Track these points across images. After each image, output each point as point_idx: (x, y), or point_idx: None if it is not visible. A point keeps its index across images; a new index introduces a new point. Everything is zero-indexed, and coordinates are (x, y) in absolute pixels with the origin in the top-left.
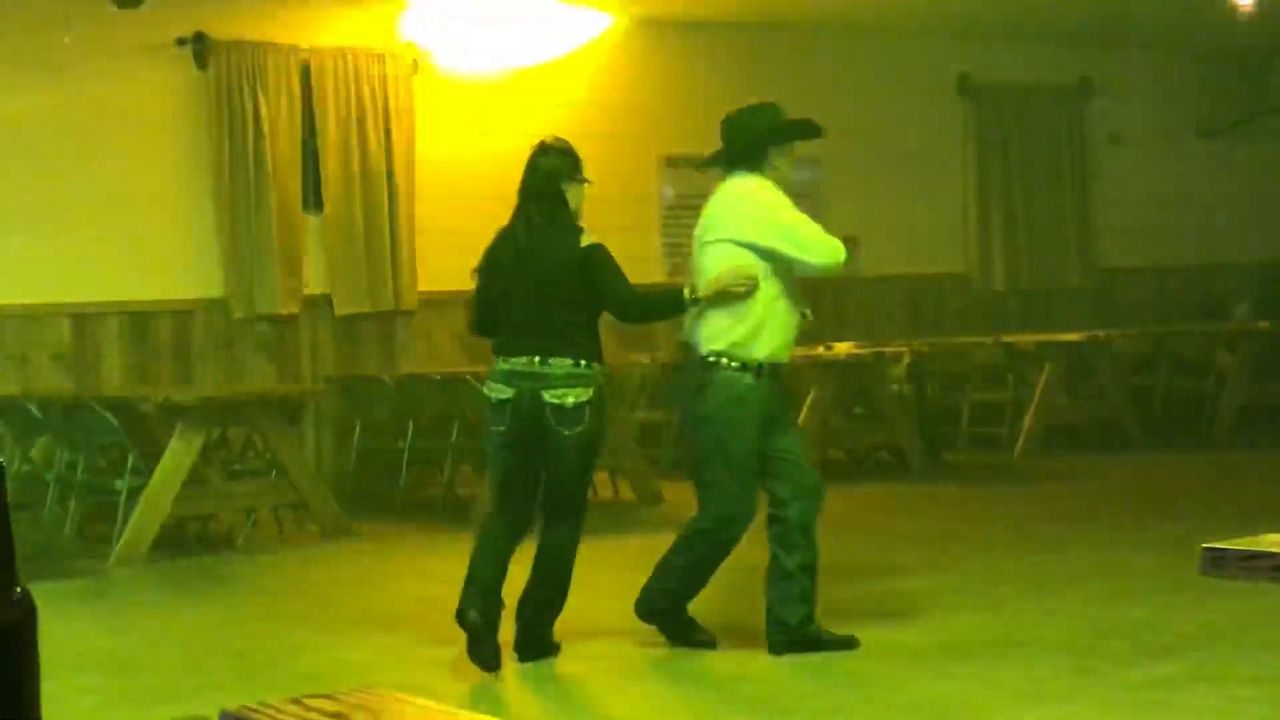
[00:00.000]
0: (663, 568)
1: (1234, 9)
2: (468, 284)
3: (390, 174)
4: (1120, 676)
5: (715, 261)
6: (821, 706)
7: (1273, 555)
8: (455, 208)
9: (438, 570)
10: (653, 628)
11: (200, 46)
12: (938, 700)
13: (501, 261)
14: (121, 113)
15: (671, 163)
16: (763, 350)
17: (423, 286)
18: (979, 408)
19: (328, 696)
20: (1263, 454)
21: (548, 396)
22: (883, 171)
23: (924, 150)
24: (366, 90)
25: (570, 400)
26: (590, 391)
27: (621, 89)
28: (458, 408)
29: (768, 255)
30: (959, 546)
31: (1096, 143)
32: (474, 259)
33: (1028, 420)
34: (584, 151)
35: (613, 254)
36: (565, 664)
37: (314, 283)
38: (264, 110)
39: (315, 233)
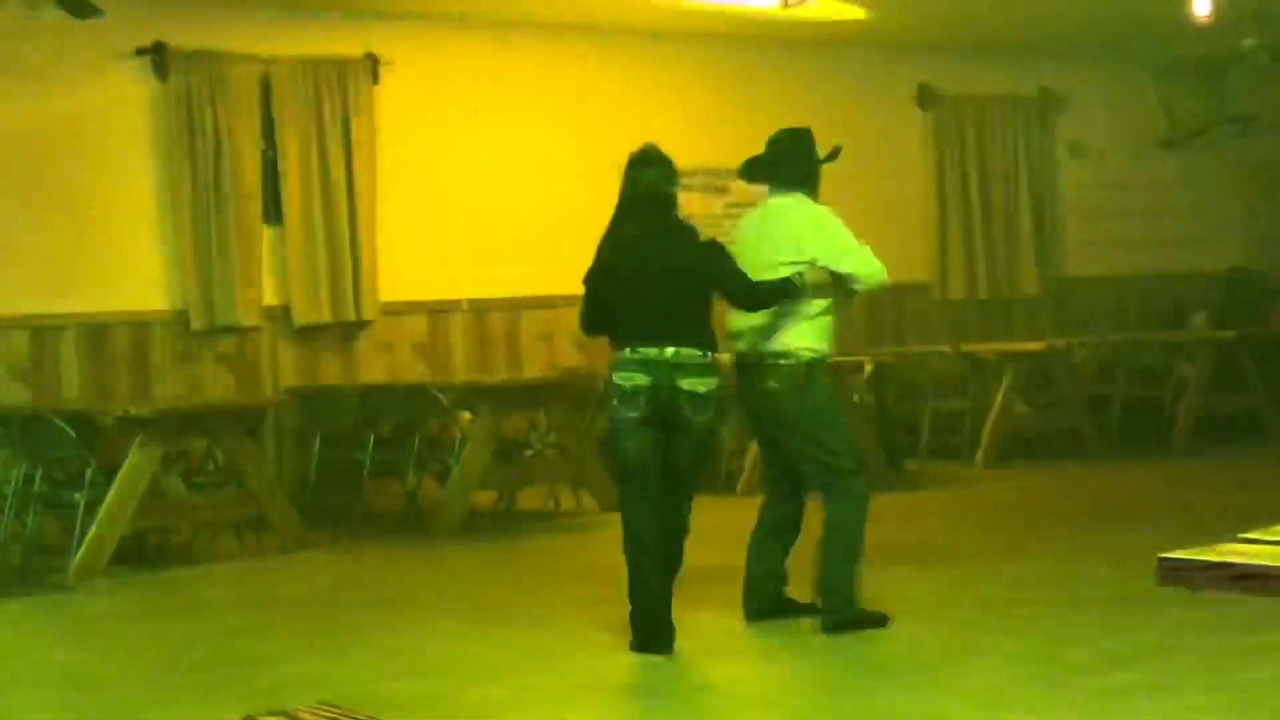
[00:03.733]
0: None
1: (1191, 20)
2: (428, 294)
3: (351, 184)
4: (1079, 685)
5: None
6: (782, 716)
7: (1229, 564)
8: (416, 218)
9: (397, 582)
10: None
11: (160, 57)
12: (899, 710)
13: (618, 266)
14: (80, 123)
15: None
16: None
17: (383, 297)
18: (939, 417)
19: (285, 713)
20: (1220, 463)
21: (683, 384)
22: (843, 182)
23: (884, 161)
24: (327, 100)
25: (702, 388)
26: (716, 381)
27: (587, 100)
28: (419, 418)
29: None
30: (918, 555)
31: (1057, 153)
32: (435, 268)
33: (987, 429)
34: (548, 163)
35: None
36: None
37: (273, 293)
38: (224, 120)
39: (275, 243)
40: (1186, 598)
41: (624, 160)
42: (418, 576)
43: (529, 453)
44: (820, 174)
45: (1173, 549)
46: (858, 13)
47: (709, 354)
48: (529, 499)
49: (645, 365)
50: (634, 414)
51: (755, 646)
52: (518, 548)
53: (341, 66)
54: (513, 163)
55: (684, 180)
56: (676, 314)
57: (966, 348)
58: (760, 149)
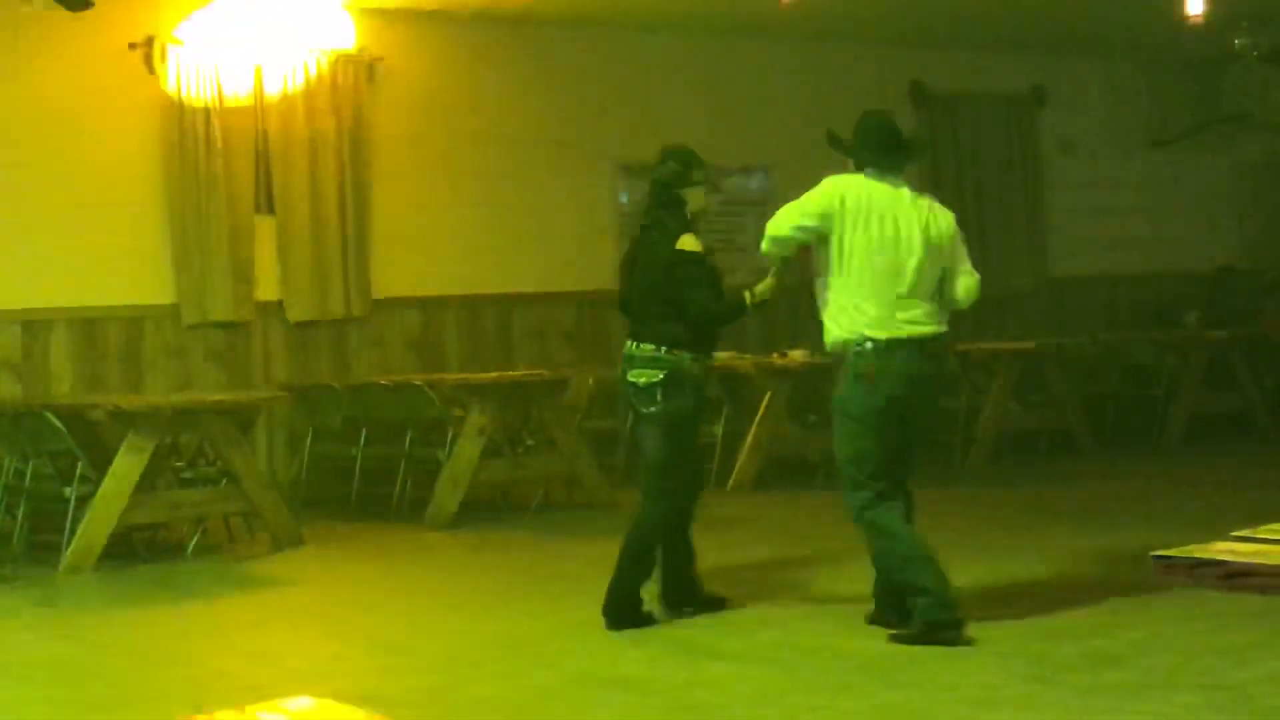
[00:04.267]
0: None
1: (1184, 18)
2: (421, 290)
3: (343, 180)
4: (1070, 683)
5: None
6: (771, 714)
7: (1221, 563)
8: (409, 214)
9: (389, 579)
10: None
11: (152, 51)
12: (889, 707)
13: (625, 260)
14: (72, 117)
15: (628, 170)
16: None
17: (376, 293)
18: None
19: (271, 707)
20: (1212, 461)
21: (629, 376)
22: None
23: None
24: (320, 95)
25: (642, 380)
26: (660, 374)
27: (578, 95)
28: (410, 415)
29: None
30: None
31: (1048, 150)
32: (427, 265)
33: (980, 427)
34: (541, 158)
35: (703, 262)
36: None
37: (266, 289)
38: (216, 115)
39: (267, 239)
40: (1178, 595)
41: (621, 158)
42: (409, 572)
43: (520, 449)
44: None
45: (1165, 547)
46: None
47: (663, 349)
48: (521, 495)
49: (623, 359)
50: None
51: (747, 644)
52: (510, 544)
53: (336, 61)
54: (506, 159)
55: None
56: (645, 309)
57: (959, 346)
58: (750, 148)
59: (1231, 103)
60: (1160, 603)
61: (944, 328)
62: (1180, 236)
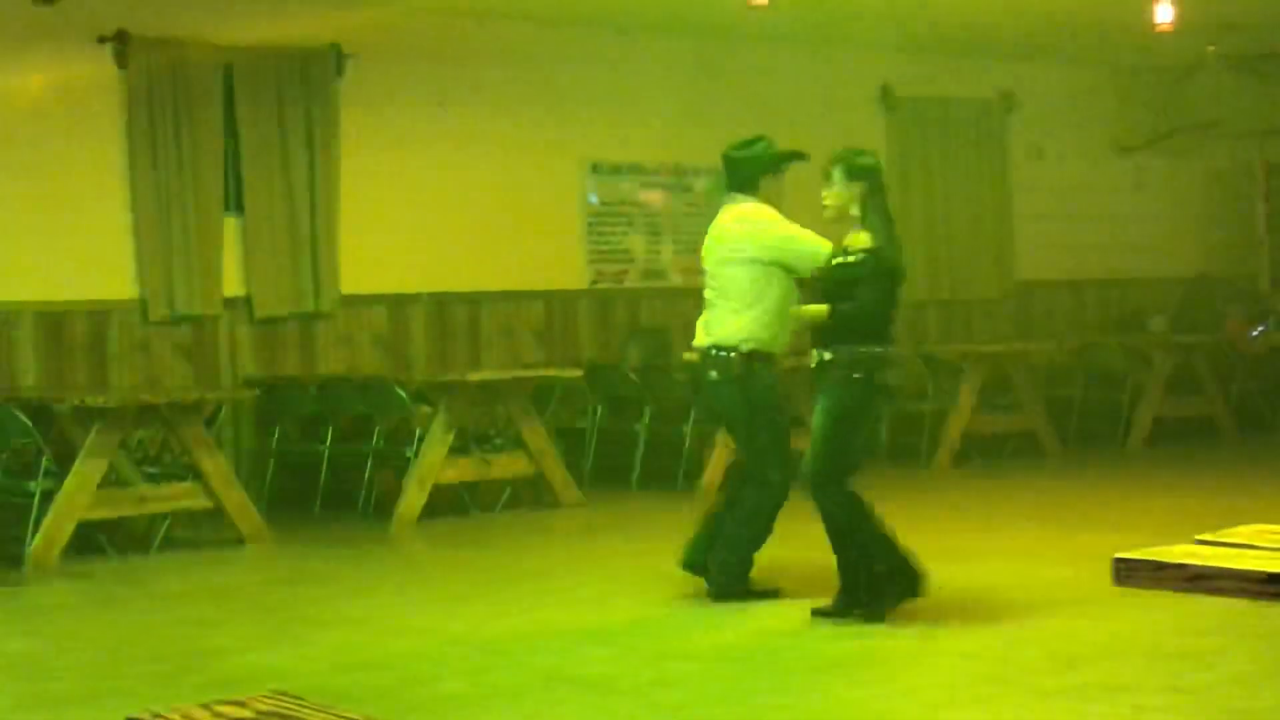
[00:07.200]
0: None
1: (1153, 26)
2: (389, 287)
3: (313, 175)
4: (1033, 685)
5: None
6: (736, 712)
7: (1183, 566)
8: (378, 210)
9: (355, 575)
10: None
11: (121, 44)
12: (852, 705)
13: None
14: (40, 109)
15: (598, 169)
16: (779, 344)
17: (344, 289)
18: (898, 418)
19: (238, 702)
20: (1176, 466)
21: None
22: (804, 181)
23: None
24: (290, 91)
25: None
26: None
27: (550, 93)
28: (378, 412)
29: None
30: None
31: (1016, 156)
32: (396, 260)
33: (946, 430)
34: (511, 157)
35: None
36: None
37: (234, 284)
38: (185, 109)
39: (236, 234)
40: (1141, 598)
41: (592, 157)
42: (375, 569)
43: (488, 448)
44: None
45: (1128, 550)
46: None
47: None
48: (488, 494)
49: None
50: None
51: (712, 643)
52: (476, 542)
53: (305, 57)
54: (476, 156)
55: (650, 178)
56: None
57: (927, 349)
58: (721, 149)
59: (1199, 110)
60: (1123, 605)
61: (716, 338)
62: (1146, 243)
